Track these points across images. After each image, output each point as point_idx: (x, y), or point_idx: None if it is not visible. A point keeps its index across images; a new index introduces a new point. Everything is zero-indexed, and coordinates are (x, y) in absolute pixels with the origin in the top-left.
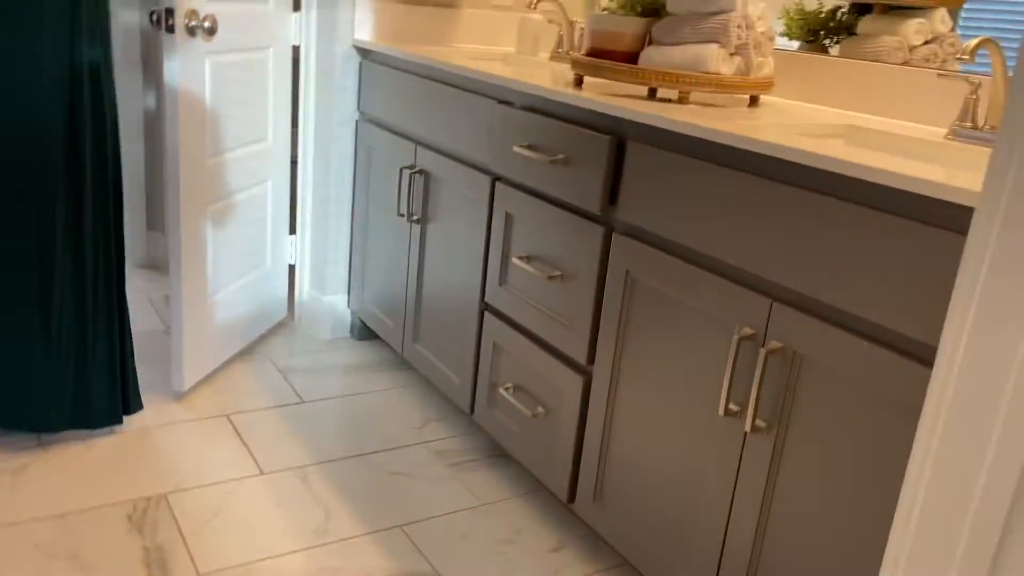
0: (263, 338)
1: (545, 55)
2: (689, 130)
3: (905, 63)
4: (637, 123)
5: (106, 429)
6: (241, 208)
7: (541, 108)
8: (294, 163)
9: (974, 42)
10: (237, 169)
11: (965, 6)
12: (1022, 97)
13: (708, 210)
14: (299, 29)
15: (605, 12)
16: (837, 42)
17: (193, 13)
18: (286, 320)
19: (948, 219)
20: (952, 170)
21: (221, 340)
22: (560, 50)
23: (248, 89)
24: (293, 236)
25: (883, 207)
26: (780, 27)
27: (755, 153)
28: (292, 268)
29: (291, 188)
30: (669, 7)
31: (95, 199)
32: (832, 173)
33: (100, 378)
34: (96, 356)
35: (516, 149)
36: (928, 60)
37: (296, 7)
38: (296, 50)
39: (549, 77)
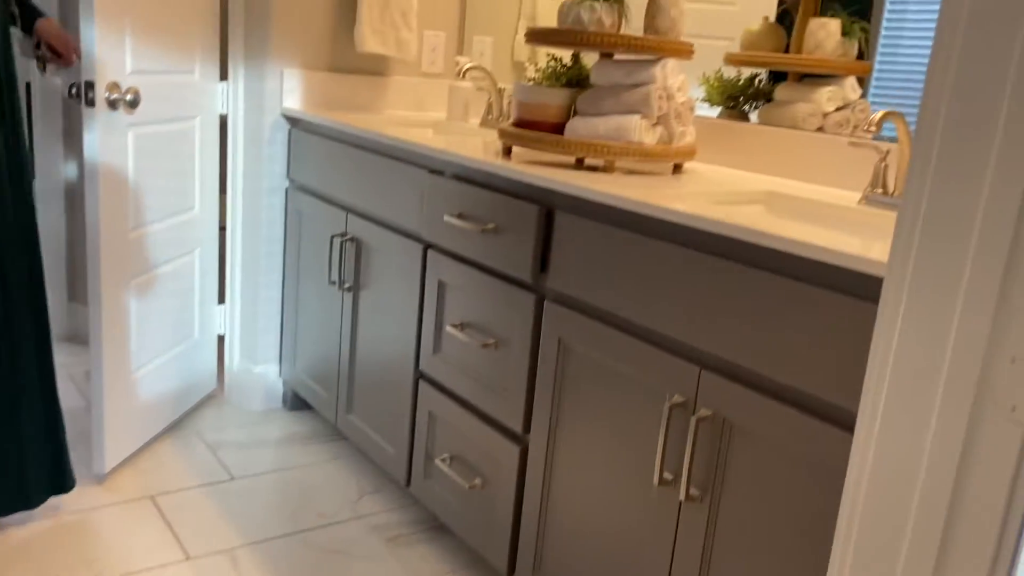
0: (192, 412)
1: (476, 121)
2: (611, 200)
3: (820, 128)
4: (564, 193)
5: (20, 515)
6: (167, 279)
7: (471, 178)
8: (223, 230)
9: (879, 115)
10: (163, 240)
11: (875, 73)
12: (919, 179)
13: (635, 278)
14: (226, 98)
15: (531, 83)
16: (756, 108)
17: (115, 86)
18: (216, 392)
19: (862, 288)
20: (865, 239)
21: (146, 417)
22: (490, 116)
23: (174, 160)
24: (222, 306)
25: (800, 276)
26: (701, 93)
27: (675, 223)
28: (221, 338)
29: (220, 257)
30: (592, 79)
31: (16, 270)
32: (749, 243)
33: (32, 455)
34: (27, 432)
35: (447, 219)
36: (841, 125)
37: (223, 77)
38: (224, 119)
39: (479, 146)
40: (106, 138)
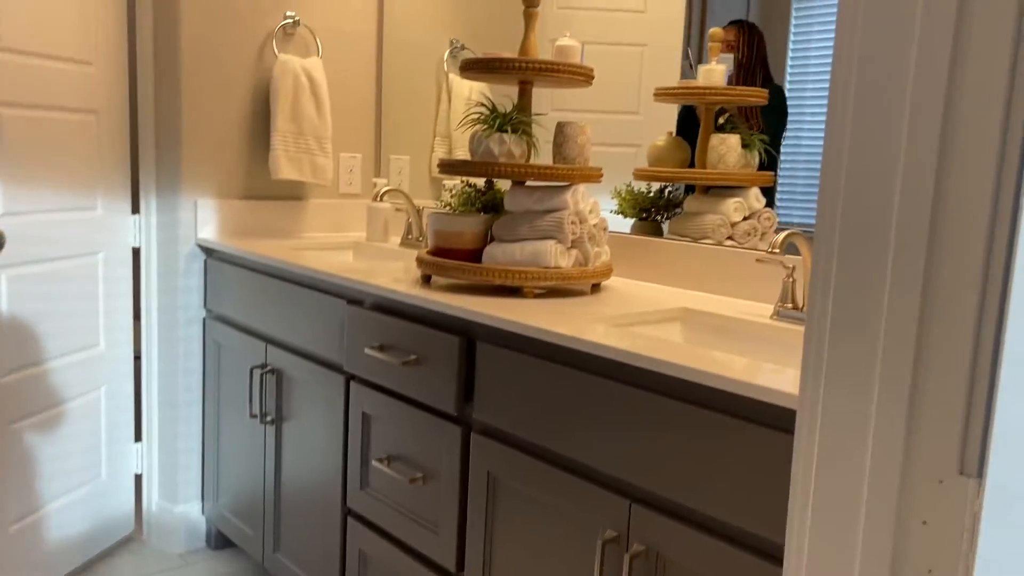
0: (105, 557)
1: (396, 240)
2: (527, 331)
3: (730, 238)
4: (483, 324)
5: None
6: (64, 419)
7: (391, 308)
8: (139, 359)
9: (782, 237)
10: (55, 380)
11: (779, 180)
12: (820, 310)
13: (558, 409)
14: (139, 231)
15: (447, 209)
16: (668, 218)
17: None
18: (134, 535)
19: (781, 419)
20: (780, 360)
21: (38, 568)
22: (410, 236)
23: (66, 298)
24: (139, 443)
25: (717, 407)
26: (613, 205)
27: (591, 354)
28: (139, 477)
29: (136, 391)
30: (506, 206)
31: None
32: (665, 374)
33: None
34: None
35: (368, 351)
36: (749, 234)
37: (135, 210)
38: (137, 251)
39: (399, 272)
40: None
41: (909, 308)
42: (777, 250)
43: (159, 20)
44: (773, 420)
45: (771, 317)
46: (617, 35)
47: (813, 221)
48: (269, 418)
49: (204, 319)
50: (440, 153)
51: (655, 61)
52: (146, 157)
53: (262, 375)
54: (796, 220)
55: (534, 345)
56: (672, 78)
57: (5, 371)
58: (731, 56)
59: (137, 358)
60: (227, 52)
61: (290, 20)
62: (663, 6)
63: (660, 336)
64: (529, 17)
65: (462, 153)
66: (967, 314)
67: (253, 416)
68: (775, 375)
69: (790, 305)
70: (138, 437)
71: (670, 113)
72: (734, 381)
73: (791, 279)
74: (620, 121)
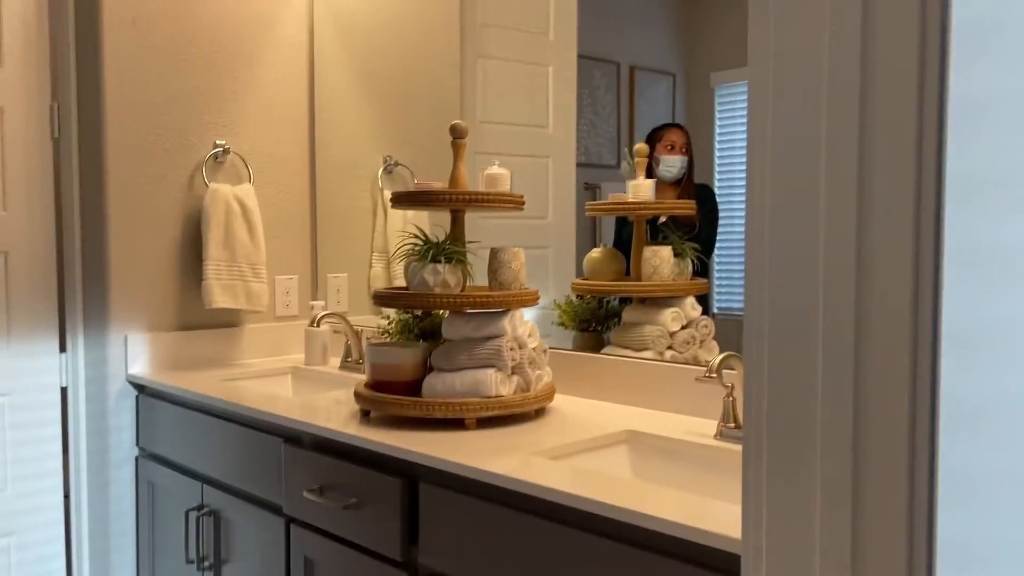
0: None
1: (335, 361)
2: (465, 471)
3: (670, 347)
4: (425, 465)
5: None
6: None
7: (330, 447)
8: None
9: (718, 360)
10: None
11: (715, 284)
12: (756, 432)
13: (505, 553)
14: (66, 370)
15: (384, 339)
16: (609, 328)
17: None
18: None
19: (728, 561)
20: (729, 488)
21: None
22: (349, 359)
23: None
24: None
25: (666, 551)
26: (554, 317)
27: (536, 497)
28: None
29: (66, 538)
30: (444, 333)
31: None
32: (611, 518)
33: None
34: None
35: (307, 494)
36: (688, 343)
37: (63, 348)
38: (64, 391)
39: (338, 404)
40: None
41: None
42: (714, 374)
43: (84, 159)
44: (722, 563)
45: (715, 436)
46: (526, 148)
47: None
48: (207, 563)
49: (136, 458)
50: (378, 269)
51: (558, 170)
52: (72, 294)
53: (198, 517)
54: (737, 305)
55: (476, 485)
56: (570, 183)
57: None
58: (680, 159)
59: (66, 496)
60: (155, 185)
61: (220, 149)
62: (563, 124)
63: (604, 466)
64: (457, 148)
65: (399, 268)
66: (899, 426)
67: (190, 562)
68: (718, 514)
69: (732, 424)
70: None
71: (572, 218)
72: (677, 525)
73: (731, 398)
74: (531, 225)
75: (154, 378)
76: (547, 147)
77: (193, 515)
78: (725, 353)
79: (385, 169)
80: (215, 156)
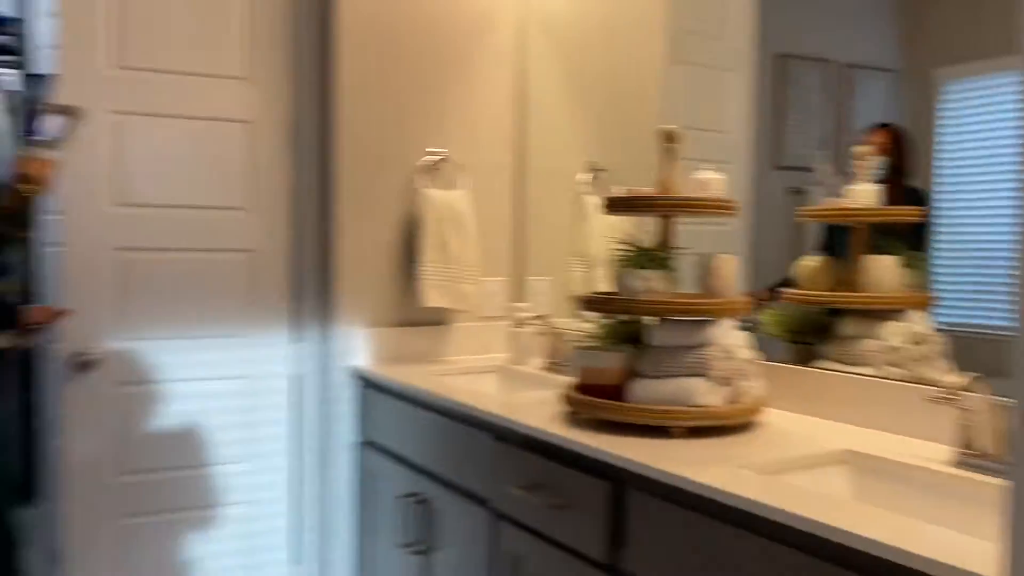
0: None
1: (538, 361)
2: (669, 479)
3: (892, 363)
4: (632, 471)
5: None
6: (214, 523)
7: (536, 445)
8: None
9: (961, 382)
10: (206, 485)
11: (939, 299)
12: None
13: (714, 566)
14: (299, 359)
15: (590, 344)
16: (818, 342)
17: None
18: None
19: None
20: (975, 523)
21: None
22: (553, 361)
23: (224, 414)
24: (297, 566)
25: None
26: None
27: (753, 514)
28: None
29: (290, 512)
30: (650, 340)
31: None
32: (838, 542)
33: None
34: None
35: (514, 490)
36: (914, 360)
37: (294, 339)
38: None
39: (544, 404)
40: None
41: None
42: (952, 395)
43: (322, 166)
44: None
45: (949, 464)
46: (710, 153)
47: (979, 321)
48: (418, 548)
49: (357, 445)
50: (578, 273)
51: (740, 175)
52: (305, 291)
53: (412, 505)
54: (968, 321)
55: (683, 495)
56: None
57: (167, 468)
58: (883, 160)
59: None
60: (378, 191)
61: (436, 157)
62: (746, 127)
63: (821, 485)
64: (669, 153)
65: (600, 273)
66: None
67: (402, 545)
68: (974, 550)
69: (973, 452)
70: (295, 560)
71: (754, 223)
72: (920, 557)
73: (970, 423)
74: (714, 231)
75: (374, 370)
76: (728, 152)
77: (406, 501)
78: (966, 374)
79: (588, 174)
80: (431, 164)
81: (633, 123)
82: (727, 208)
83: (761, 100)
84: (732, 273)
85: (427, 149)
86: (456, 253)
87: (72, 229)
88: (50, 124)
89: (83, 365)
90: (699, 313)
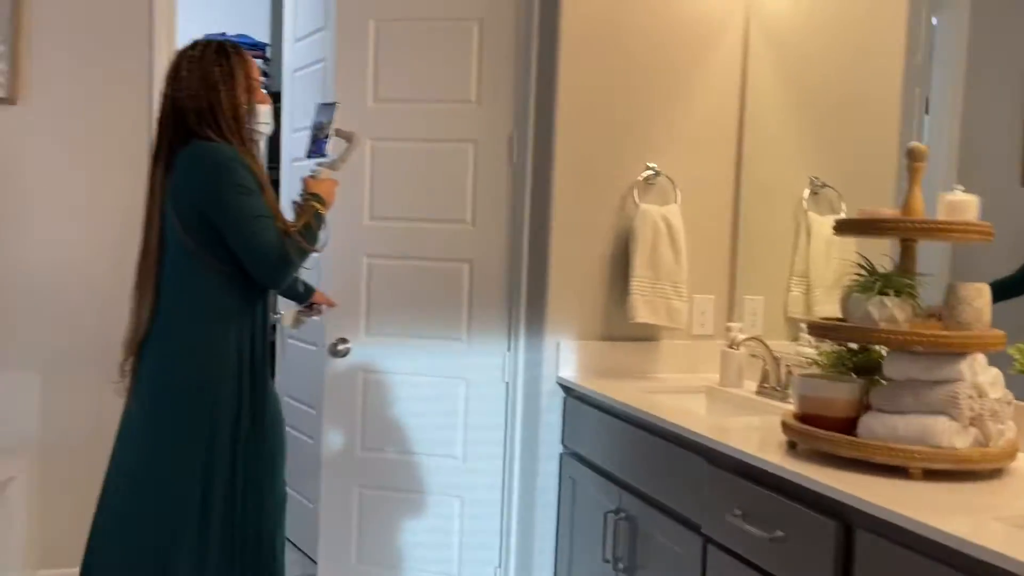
0: None
1: (751, 385)
2: (910, 526)
3: None
4: (865, 512)
5: None
6: (422, 508)
7: (754, 475)
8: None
9: None
10: (405, 471)
11: None
12: None
13: None
14: (509, 367)
15: (815, 372)
16: None
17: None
18: None
19: None
20: None
21: None
22: (766, 385)
23: (419, 406)
24: (497, 568)
25: None
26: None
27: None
28: None
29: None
30: (887, 372)
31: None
32: None
33: None
34: None
35: (729, 518)
36: None
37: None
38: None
39: (762, 431)
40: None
41: None
42: None
43: (538, 180)
44: None
45: None
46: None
47: None
48: (622, 565)
49: (561, 455)
50: (796, 293)
51: None
52: (517, 301)
53: (616, 521)
54: None
55: (924, 543)
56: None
57: (397, 451)
58: None
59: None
60: (592, 205)
61: (651, 171)
62: None
63: None
64: (914, 172)
65: (820, 294)
66: None
67: (606, 561)
68: None
69: None
70: (497, 560)
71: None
72: None
73: None
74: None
75: (580, 382)
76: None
77: (611, 517)
78: None
79: (811, 191)
80: (646, 178)
81: (864, 139)
82: (982, 233)
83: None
84: (986, 304)
85: (646, 164)
86: (668, 269)
87: (338, 238)
88: (333, 147)
89: (339, 351)
90: (948, 347)
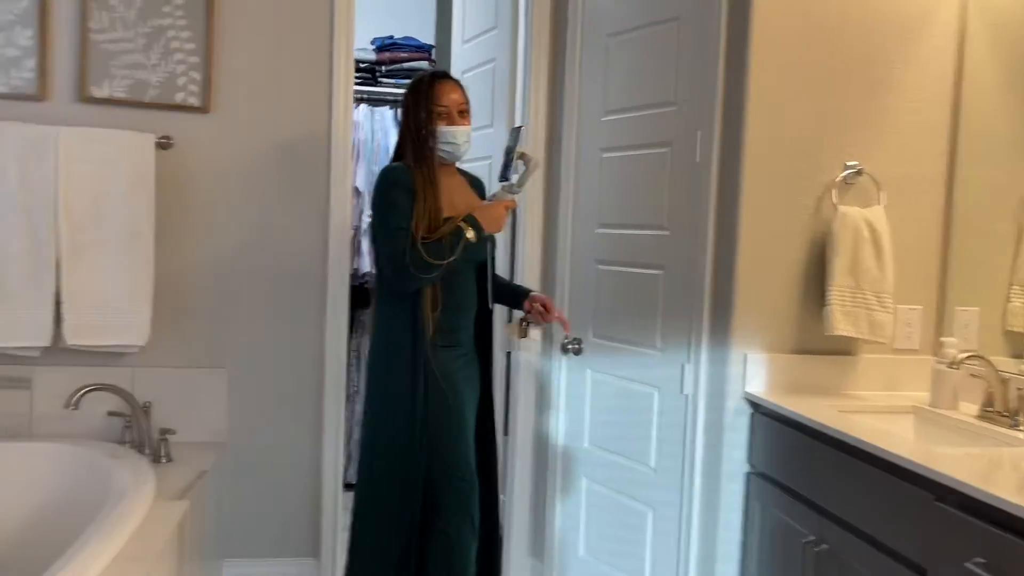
0: None
1: (968, 407)
2: None
3: None
4: None
5: None
6: (612, 507)
7: (996, 518)
8: None
9: None
10: (609, 470)
11: None
12: None
13: None
14: (690, 379)
15: None
16: None
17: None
18: None
19: None
20: None
21: None
22: (990, 409)
23: (627, 412)
24: None
25: None
26: None
27: None
28: None
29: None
30: None
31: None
32: None
33: None
34: None
35: (969, 566)
36: None
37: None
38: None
39: (1001, 465)
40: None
41: None
42: None
43: (722, 183)
44: None
45: None
46: None
47: None
48: None
49: (748, 475)
50: (1017, 304)
51: None
52: (699, 309)
53: (816, 553)
54: None
55: None
56: None
57: (605, 449)
58: None
59: None
60: (784, 208)
61: (851, 170)
62: None
63: None
64: None
65: None
66: None
67: None
68: None
69: None
70: None
71: None
72: None
73: None
74: None
75: (770, 398)
76: None
77: (809, 547)
78: None
79: None
80: (845, 177)
81: None
82: None
83: None
84: None
85: (844, 162)
86: (871, 277)
87: (573, 246)
88: (517, 170)
89: (571, 350)
90: None
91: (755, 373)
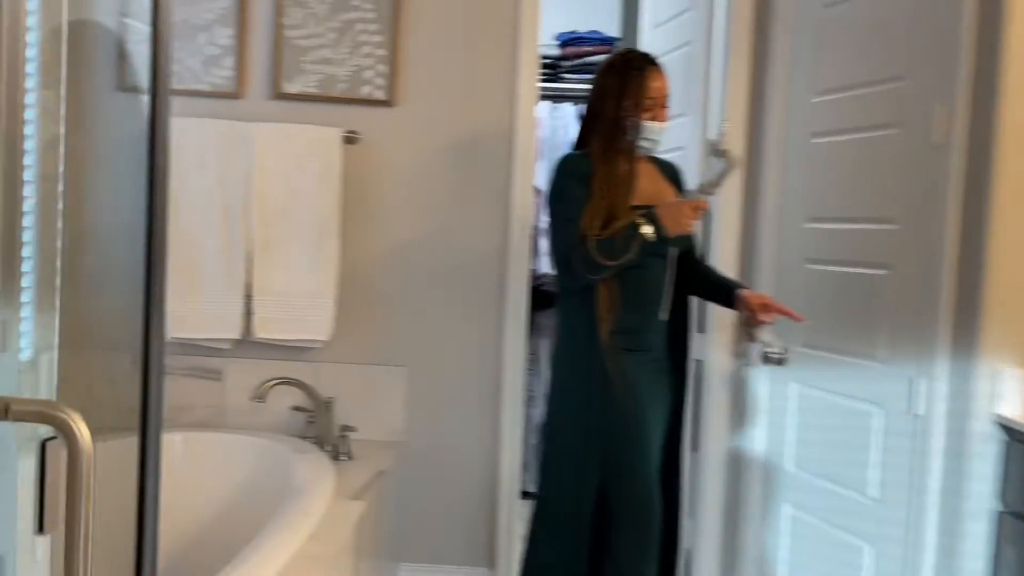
0: None
1: None
2: None
3: None
4: None
5: None
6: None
7: None
8: None
9: None
10: (817, 499)
11: None
12: None
13: None
14: (922, 396)
15: None
16: None
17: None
18: None
19: None
20: None
21: None
22: None
23: (841, 432)
24: None
25: None
26: None
27: None
28: None
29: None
30: None
31: None
32: None
33: None
34: None
35: None
36: None
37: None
38: (918, 419)
39: None
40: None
41: None
42: None
43: (970, 168)
44: None
45: None
46: None
47: None
48: None
49: (1000, 515)
50: None
51: None
52: (940, 316)
53: None
54: None
55: None
56: None
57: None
58: None
59: None
60: None
61: None
62: None
63: None
64: None
65: None
66: None
67: None
68: None
69: None
70: None
71: None
72: None
73: None
74: None
75: None
76: None
77: None
78: None
79: None
80: None
81: None
82: None
83: None
84: None
85: None
86: None
87: (778, 243)
88: (714, 168)
89: (773, 359)
90: None
91: (1010, 392)
